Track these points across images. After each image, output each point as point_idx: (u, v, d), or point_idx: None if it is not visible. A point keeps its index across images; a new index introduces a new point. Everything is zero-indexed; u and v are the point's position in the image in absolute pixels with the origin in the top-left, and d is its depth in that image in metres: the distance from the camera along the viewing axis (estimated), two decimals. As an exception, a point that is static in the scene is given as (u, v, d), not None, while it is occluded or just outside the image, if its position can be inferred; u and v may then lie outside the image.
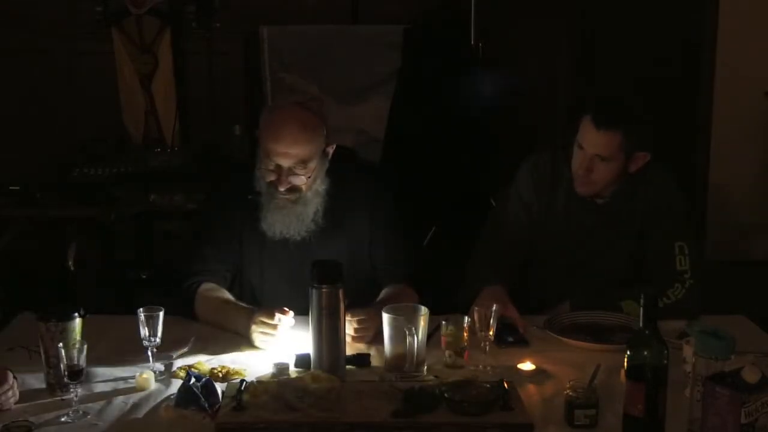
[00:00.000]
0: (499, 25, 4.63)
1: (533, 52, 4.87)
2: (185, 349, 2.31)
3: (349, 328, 2.28)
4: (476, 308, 2.26)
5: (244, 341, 2.35)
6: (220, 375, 2.14)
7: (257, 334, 2.29)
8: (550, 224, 2.73)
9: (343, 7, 4.72)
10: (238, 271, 2.60)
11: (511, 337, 2.35)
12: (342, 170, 2.56)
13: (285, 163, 2.40)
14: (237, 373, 2.15)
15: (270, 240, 2.51)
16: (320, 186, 2.48)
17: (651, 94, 4.89)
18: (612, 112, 2.54)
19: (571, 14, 4.95)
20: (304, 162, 2.40)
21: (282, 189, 2.42)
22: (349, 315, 2.27)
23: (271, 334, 2.29)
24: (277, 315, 2.28)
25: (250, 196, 2.48)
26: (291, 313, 2.31)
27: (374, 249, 2.59)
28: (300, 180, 2.43)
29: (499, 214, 2.80)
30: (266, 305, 2.41)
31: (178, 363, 2.22)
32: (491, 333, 2.25)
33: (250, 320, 2.31)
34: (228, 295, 2.51)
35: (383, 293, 2.52)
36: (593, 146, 2.54)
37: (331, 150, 2.50)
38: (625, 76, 4.93)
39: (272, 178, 2.43)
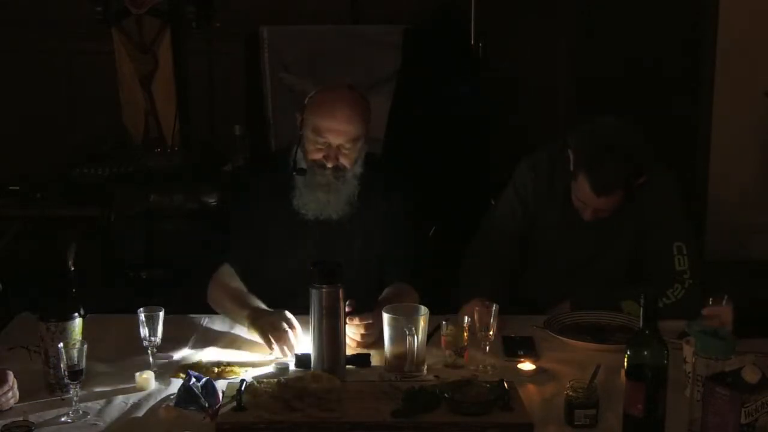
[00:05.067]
0: (499, 25, 4.63)
1: (533, 52, 4.87)
2: (185, 349, 2.31)
3: (355, 331, 2.29)
4: (476, 308, 2.27)
5: (244, 340, 2.36)
6: (216, 371, 2.14)
7: (266, 330, 2.28)
8: (549, 224, 2.73)
9: (343, 7, 4.71)
10: (259, 260, 2.60)
11: (521, 351, 2.30)
12: (365, 165, 2.58)
13: (335, 140, 2.45)
14: (233, 371, 2.15)
15: (300, 223, 2.52)
16: (358, 169, 2.52)
17: (650, 93, 4.91)
18: (610, 179, 2.48)
19: (570, 14, 4.95)
20: (353, 141, 2.46)
21: (330, 165, 2.46)
22: (357, 319, 2.27)
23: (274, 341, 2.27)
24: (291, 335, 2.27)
25: (294, 173, 2.51)
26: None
27: (383, 245, 2.59)
28: (347, 158, 2.48)
29: (497, 214, 2.80)
30: (288, 293, 2.41)
31: (179, 363, 2.22)
32: (491, 333, 2.25)
33: (260, 315, 2.33)
34: (242, 286, 2.52)
35: (385, 292, 2.52)
36: (595, 205, 2.54)
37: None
38: (625, 76, 4.93)
39: (319, 155, 2.47)
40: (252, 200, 2.61)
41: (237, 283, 2.53)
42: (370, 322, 2.30)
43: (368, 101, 2.57)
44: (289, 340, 2.24)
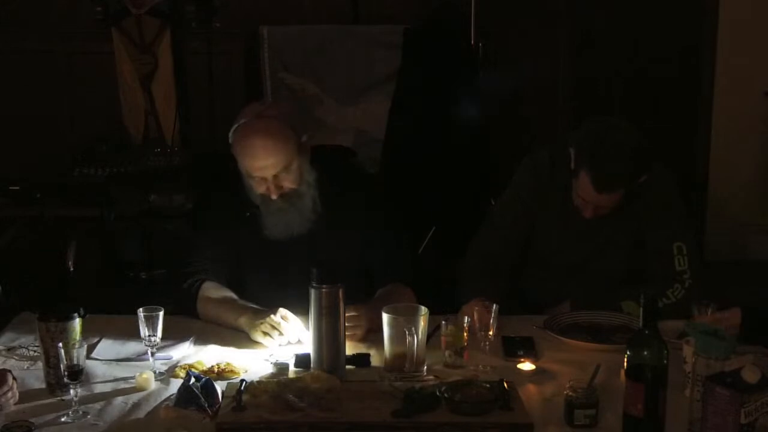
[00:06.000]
0: (499, 25, 4.64)
1: (533, 53, 4.87)
2: (185, 349, 2.31)
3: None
4: (476, 308, 2.27)
5: (244, 339, 2.36)
6: (216, 371, 2.14)
7: (266, 325, 2.31)
8: (550, 224, 2.73)
9: (343, 7, 4.72)
10: (235, 271, 2.61)
11: (521, 351, 2.29)
12: (340, 172, 2.59)
13: (267, 174, 2.42)
14: (233, 371, 2.15)
15: (269, 243, 2.51)
16: (309, 176, 2.50)
17: (651, 94, 4.92)
18: (611, 175, 2.47)
19: (570, 15, 4.95)
20: (285, 167, 2.42)
21: (274, 197, 2.45)
22: None
23: (272, 336, 2.30)
24: (286, 326, 2.31)
25: (248, 213, 2.51)
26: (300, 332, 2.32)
27: (370, 250, 2.58)
28: (288, 181, 2.45)
29: (497, 214, 2.80)
30: (272, 305, 2.42)
31: (179, 363, 2.22)
32: (491, 333, 2.25)
33: (258, 316, 2.34)
34: (230, 293, 2.52)
35: (379, 292, 2.52)
36: (596, 202, 2.53)
37: (306, 138, 2.48)
38: (625, 77, 4.94)
39: (262, 189, 2.46)
40: (221, 220, 2.59)
41: (224, 294, 2.52)
42: (354, 314, 2.30)
43: (284, 117, 2.44)
44: (289, 332, 2.30)
